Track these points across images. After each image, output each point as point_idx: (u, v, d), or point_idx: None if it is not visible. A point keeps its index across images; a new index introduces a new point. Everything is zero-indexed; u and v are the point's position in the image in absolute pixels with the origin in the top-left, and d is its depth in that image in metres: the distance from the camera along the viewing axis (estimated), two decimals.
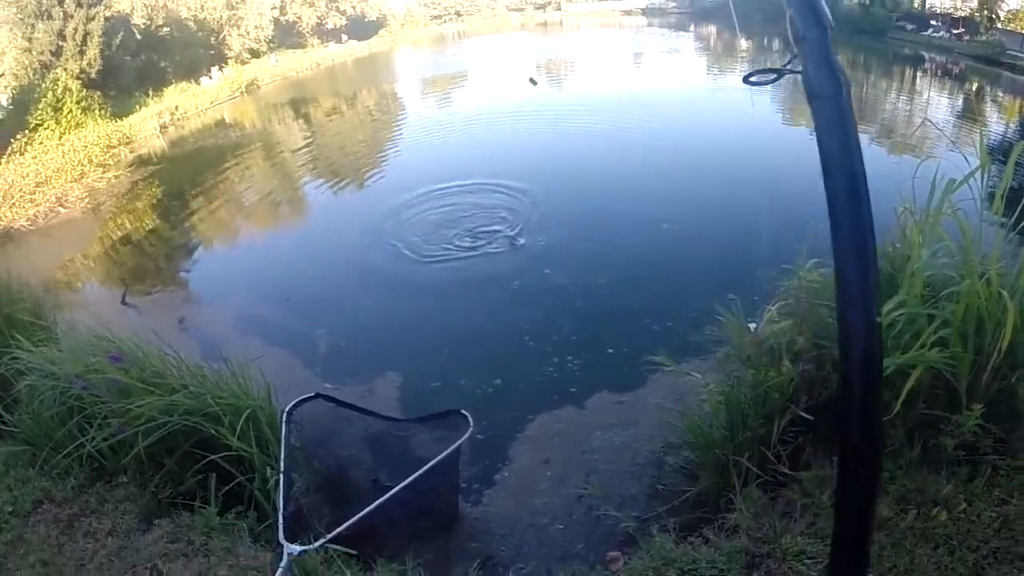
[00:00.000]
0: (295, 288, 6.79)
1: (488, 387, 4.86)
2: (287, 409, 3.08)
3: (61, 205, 10.82)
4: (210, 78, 25.12)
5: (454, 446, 3.20)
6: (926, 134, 12.75)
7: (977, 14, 23.98)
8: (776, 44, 27.60)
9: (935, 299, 2.66)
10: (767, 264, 6.09)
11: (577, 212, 8.35)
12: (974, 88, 18.56)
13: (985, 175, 2.68)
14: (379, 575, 2.48)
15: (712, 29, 33.05)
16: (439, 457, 3.05)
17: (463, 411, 3.48)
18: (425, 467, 2.95)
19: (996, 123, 14.04)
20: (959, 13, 25.46)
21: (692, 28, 35.17)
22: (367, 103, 20.56)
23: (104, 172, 12.51)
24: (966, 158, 2.83)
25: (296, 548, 2.43)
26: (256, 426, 3.04)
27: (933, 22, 26.19)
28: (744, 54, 26.26)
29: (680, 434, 3.71)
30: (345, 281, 7.04)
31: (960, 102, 16.92)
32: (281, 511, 2.62)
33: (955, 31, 24.25)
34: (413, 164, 11.69)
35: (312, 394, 3.32)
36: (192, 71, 24.92)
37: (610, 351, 5.20)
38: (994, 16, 23.72)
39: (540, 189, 9.04)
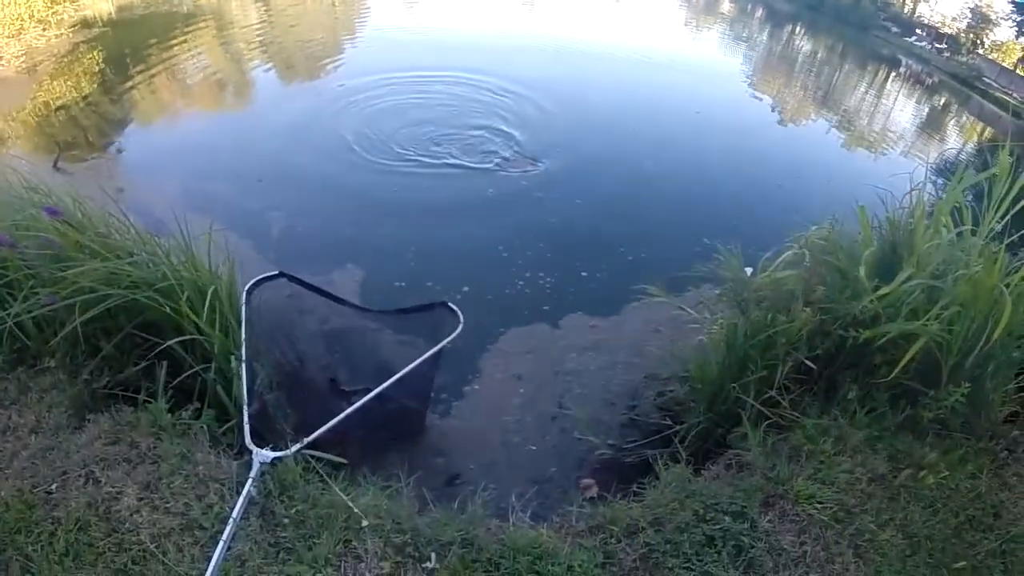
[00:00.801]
0: (249, 168, 6.01)
1: (456, 293, 4.46)
2: (247, 287, 2.78)
3: None
4: None
5: (438, 346, 2.81)
6: (885, 133, 13.19)
7: (963, 35, 24.71)
8: (760, 11, 27.41)
9: (938, 279, 2.66)
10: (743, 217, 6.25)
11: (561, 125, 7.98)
12: (942, 103, 19.20)
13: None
14: (368, 489, 2.14)
15: None
16: (421, 358, 2.69)
17: (451, 305, 3.05)
18: (405, 369, 2.58)
19: (954, 140, 14.62)
20: (946, 29, 26.14)
21: None
22: None
23: (45, 30, 10.79)
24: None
25: (268, 454, 2.06)
26: (214, 307, 2.50)
27: (918, 31, 26.78)
28: (725, 14, 25.82)
29: (665, 366, 3.61)
30: (306, 165, 6.28)
31: (926, 112, 17.50)
32: (245, 409, 2.23)
33: (937, 45, 24.92)
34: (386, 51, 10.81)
35: (276, 272, 2.99)
36: None
37: (583, 274, 4.99)
38: (979, 41, 24.55)
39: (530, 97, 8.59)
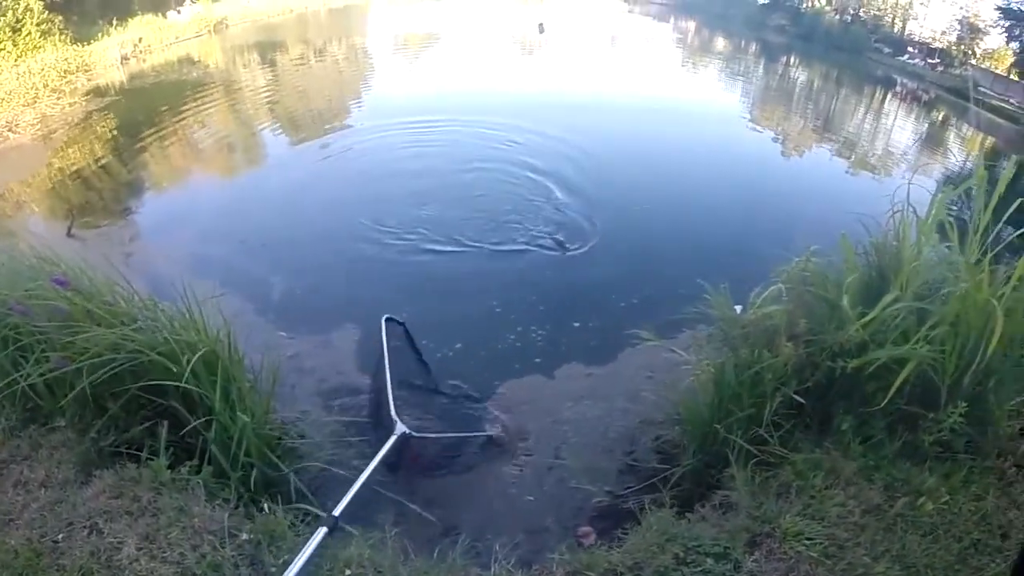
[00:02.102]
0: (251, 234, 6.27)
1: (449, 350, 4.57)
2: (385, 317, 4.17)
3: (11, 130, 9.82)
4: (179, 12, 23.37)
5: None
6: (888, 154, 13.16)
7: (955, 48, 24.79)
8: (753, 47, 27.92)
9: (925, 299, 2.66)
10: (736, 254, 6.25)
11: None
12: (940, 117, 19.16)
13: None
14: (352, 539, 2.20)
15: (691, 24, 32.94)
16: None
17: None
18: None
19: (957, 152, 14.50)
20: (936, 44, 26.27)
21: (672, 20, 34.98)
22: (336, 54, 19.69)
23: (59, 99, 11.56)
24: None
25: (404, 428, 2.97)
26: (214, 369, 2.65)
27: (910, 48, 26.89)
28: (720, 53, 26.31)
29: (659, 410, 3.61)
30: (303, 229, 6.53)
31: (925, 128, 17.45)
32: (390, 390, 3.31)
33: (930, 60, 24.99)
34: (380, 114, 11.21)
35: (400, 319, 4.38)
36: (160, 3, 23.12)
37: (576, 324, 5.01)
38: (970, 52, 24.62)
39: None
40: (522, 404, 4.07)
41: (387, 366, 3.59)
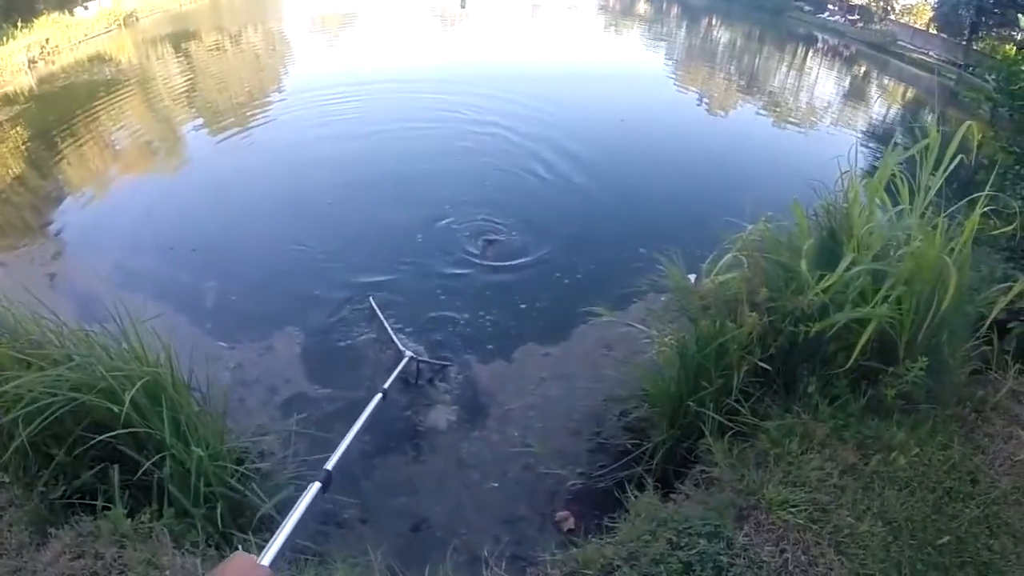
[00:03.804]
0: (179, 238, 5.88)
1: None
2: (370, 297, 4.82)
3: None
4: (85, 8, 21.62)
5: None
6: (811, 109, 13.54)
7: (873, 4, 25.65)
8: (675, 10, 28.13)
9: (880, 259, 2.68)
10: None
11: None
12: (862, 71, 19.86)
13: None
14: (337, 567, 2.09)
15: None
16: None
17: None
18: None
19: (879, 105, 15.04)
20: (856, 1, 27.12)
21: None
22: (252, 40, 18.71)
23: None
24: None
25: (410, 353, 3.94)
26: (159, 398, 2.44)
27: (830, 6, 27.75)
28: (642, 16, 26.39)
29: (622, 386, 3.60)
30: (232, 228, 6.22)
31: (847, 83, 18.05)
32: (389, 326, 4.37)
33: (850, 17, 25.85)
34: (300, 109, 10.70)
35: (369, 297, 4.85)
36: (66, 0, 21.45)
37: (522, 306, 4.96)
38: (889, 8, 25.52)
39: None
40: (484, 395, 4.02)
41: (381, 315, 4.54)
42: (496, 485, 3.31)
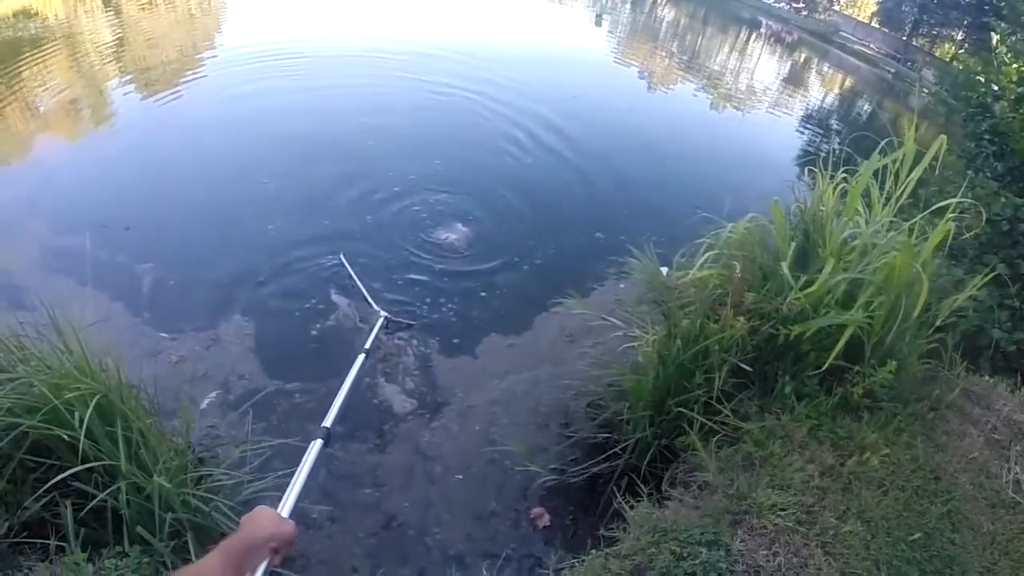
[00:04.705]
0: (112, 215, 5.30)
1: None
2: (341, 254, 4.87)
3: None
4: None
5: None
6: (751, 91, 14.00)
7: None
8: None
9: (855, 264, 2.78)
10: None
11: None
12: (803, 58, 20.69)
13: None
14: None
15: None
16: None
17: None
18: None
19: (817, 91, 15.73)
20: None
21: None
22: None
23: None
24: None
25: (384, 313, 4.09)
26: (111, 416, 2.19)
27: None
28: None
29: (589, 378, 3.58)
30: (169, 203, 5.65)
31: (787, 68, 18.76)
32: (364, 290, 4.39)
33: (795, 4, 26.79)
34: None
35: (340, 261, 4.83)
36: None
37: (483, 294, 4.87)
38: None
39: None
40: (454, 388, 3.93)
41: (356, 278, 4.57)
42: (463, 479, 3.28)
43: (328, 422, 1.69)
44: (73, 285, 4.24)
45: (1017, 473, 2.62)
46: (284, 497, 1.24)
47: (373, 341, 3.19)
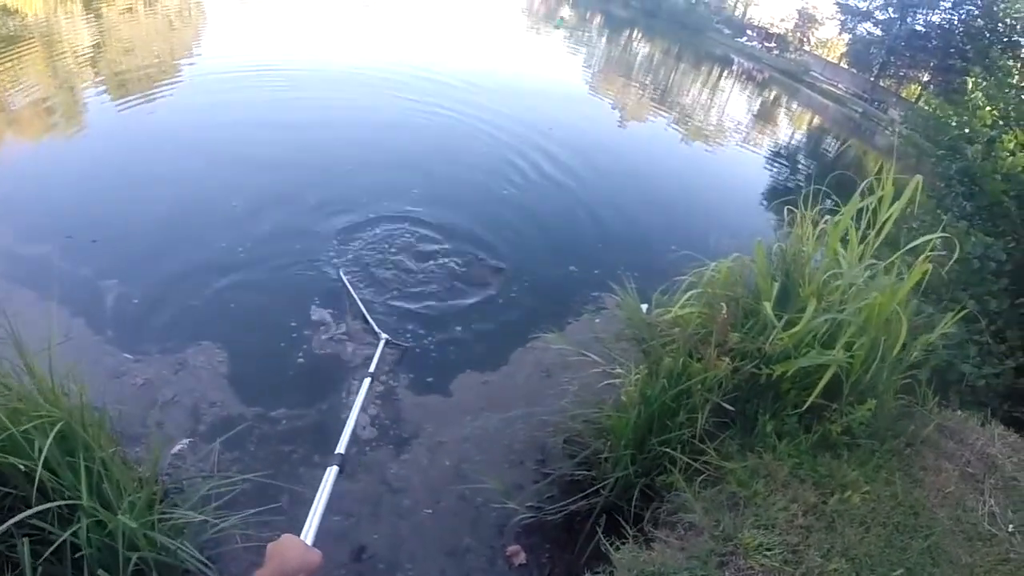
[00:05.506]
0: (79, 226, 5.10)
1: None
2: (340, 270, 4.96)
3: None
4: None
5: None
6: (721, 127, 14.38)
7: (791, 34, 27.79)
8: (598, 18, 28.89)
9: (830, 306, 2.83)
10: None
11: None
12: (772, 96, 21.44)
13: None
14: None
15: None
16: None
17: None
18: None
19: (786, 128, 16.27)
20: (774, 29, 29.30)
21: None
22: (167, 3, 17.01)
23: None
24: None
25: (387, 336, 4.09)
26: (72, 447, 2.09)
27: (749, 31, 29.80)
28: (565, 20, 26.83)
29: (564, 415, 3.56)
30: (139, 216, 5.43)
31: (758, 105, 19.36)
32: (364, 311, 4.44)
33: (767, 44, 27.91)
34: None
35: (340, 277, 4.86)
36: None
37: (458, 329, 4.75)
38: (805, 39, 27.79)
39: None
40: (423, 422, 3.83)
41: (356, 296, 4.60)
42: (430, 511, 3.21)
43: (342, 448, 1.69)
44: (33, 299, 4.06)
45: (992, 506, 2.67)
46: (306, 525, 1.25)
47: (378, 364, 3.34)
